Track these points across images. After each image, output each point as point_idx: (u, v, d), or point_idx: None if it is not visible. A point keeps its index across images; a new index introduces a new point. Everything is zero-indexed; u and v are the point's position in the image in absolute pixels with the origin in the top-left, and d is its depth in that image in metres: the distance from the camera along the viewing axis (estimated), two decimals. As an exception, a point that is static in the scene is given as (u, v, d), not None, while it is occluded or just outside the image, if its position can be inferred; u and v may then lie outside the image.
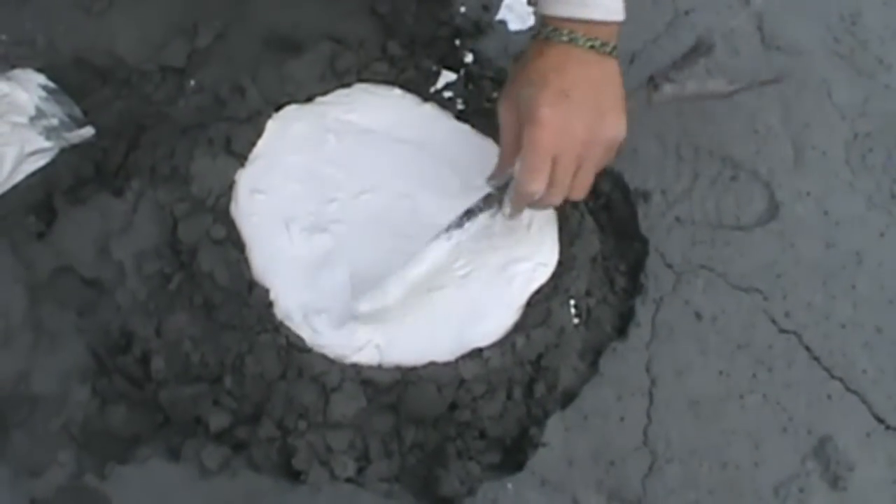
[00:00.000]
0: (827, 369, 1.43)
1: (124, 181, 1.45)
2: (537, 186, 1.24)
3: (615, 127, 1.26)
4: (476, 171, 1.43)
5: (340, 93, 1.55)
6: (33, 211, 1.44)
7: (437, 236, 1.34)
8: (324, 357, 1.29)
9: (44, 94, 1.48)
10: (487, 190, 1.36)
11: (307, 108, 1.52)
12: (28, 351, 1.32)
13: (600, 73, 1.26)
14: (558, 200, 1.28)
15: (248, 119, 1.48)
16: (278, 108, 1.51)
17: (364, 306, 1.31)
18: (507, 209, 1.33)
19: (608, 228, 1.53)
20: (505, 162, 1.31)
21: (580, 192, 1.29)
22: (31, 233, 1.41)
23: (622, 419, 1.35)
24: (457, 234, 1.35)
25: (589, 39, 1.24)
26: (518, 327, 1.35)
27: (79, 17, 1.63)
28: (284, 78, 1.53)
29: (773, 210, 1.56)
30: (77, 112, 1.50)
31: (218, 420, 1.27)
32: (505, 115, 1.28)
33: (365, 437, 1.28)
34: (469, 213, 1.35)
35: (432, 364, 1.30)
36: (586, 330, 1.42)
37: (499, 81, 1.60)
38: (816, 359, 1.44)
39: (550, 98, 1.21)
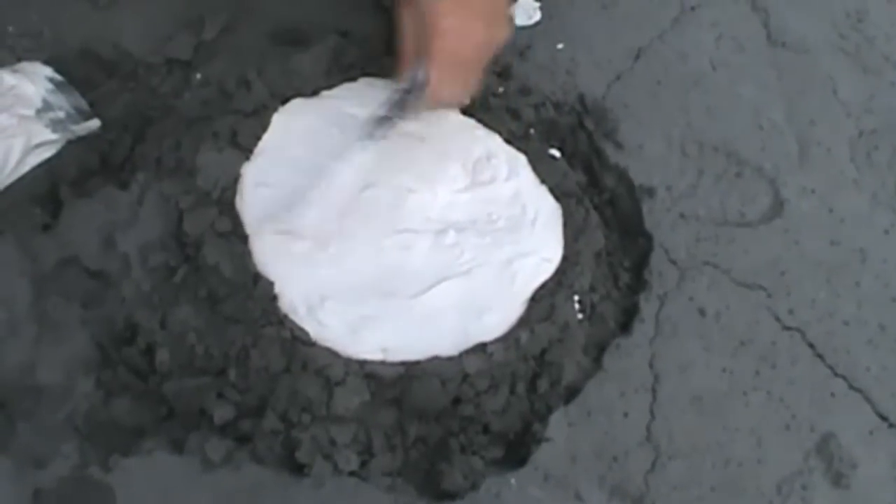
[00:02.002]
0: (830, 367, 1.43)
1: (130, 173, 1.45)
2: (448, 90, 1.38)
3: (504, 31, 1.38)
4: (482, 166, 1.43)
5: (346, 86, 1.55)
6: (39, 202, 1.44)
7: (350, 148, 1.39)
8: (328, 350, 1.29)
9: (50, 86, 1.48)
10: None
11: (313, 101, 1.52)
12: (32, 342, 1.32)
13: None
14: (464, 101, 1.44)
15: (253, 112, 1.48)
16: (284, 101, 1.51)
17: (287, 225, 1.36)
18: (410, 111, 1.41)
19: (613, 224, 1.53)
20: (407, 66, 1.38)
21: (475, 91, 1.45)
22: (37, 224, 1.41)
23: (625, 415, 1.36)
24: (370, 144, 1.39)
25: None
26: (522, 322, 1.35)
27: (85, 10, 1.64)
28: (290, 72, 1.53)
29: (777, 207, 1.56)
30: (83, 104, 1.50)
31: (222, 413, 1.27)
32: (404, 20, 1.39)
33: (368, 431, 1.28)
34: (379, 121, 1.39)
35: (436, 358, 1.30)
36: (590, 325, 1.42)
37: (504, 77, 1.60)
38: (820, 356, 1.44)
39: (452, 7, 1.31)
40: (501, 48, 1.40)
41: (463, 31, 1.32)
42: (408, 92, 1.39)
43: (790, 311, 1.47)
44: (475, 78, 1.40)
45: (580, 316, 1.40)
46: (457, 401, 1.30)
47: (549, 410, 1.33)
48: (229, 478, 1.23)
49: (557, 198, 1.47)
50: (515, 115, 1.55)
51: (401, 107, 1.40)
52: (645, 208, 1.53)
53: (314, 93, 1.53)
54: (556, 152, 1.55)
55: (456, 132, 1.50)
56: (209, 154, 1.42)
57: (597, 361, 1.40)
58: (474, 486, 1.27)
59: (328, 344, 1.29)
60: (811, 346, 1.44)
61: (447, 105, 1.42)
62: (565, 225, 1.45)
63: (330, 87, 1.54)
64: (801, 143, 1.63)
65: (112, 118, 1.53)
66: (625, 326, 1.44)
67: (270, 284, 1.32)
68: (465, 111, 1.53)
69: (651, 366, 1.39)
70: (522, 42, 1.66)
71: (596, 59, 1.68)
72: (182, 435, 1.27)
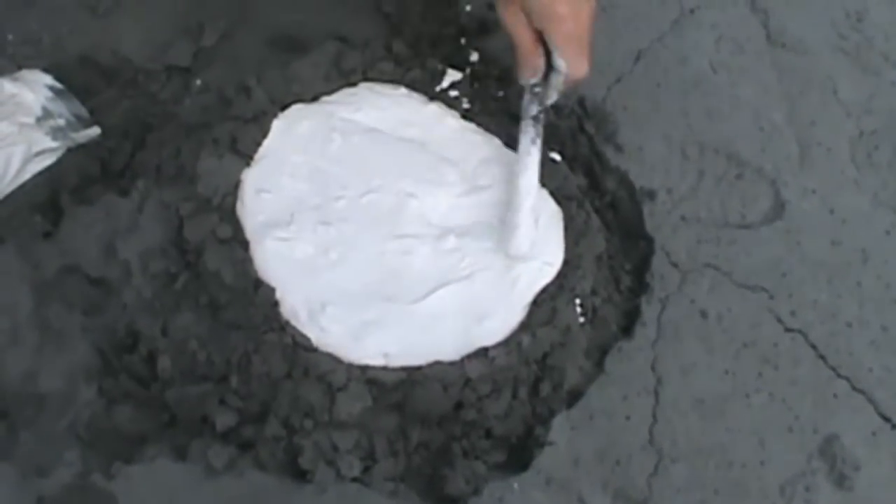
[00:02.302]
0: (833, 368, 1.43)
1: (130, 181, 1.46)
2: (585, 69, 1.40)
3: (597, 3, 1.39)
4: (482, 170, 1.43)
5: (346, 92, 1.55)
6: (39, 210, 1.44)
7: (524, 153, 1.43)
8: (330, 356, 1.29)
9: (50, 94, 1.49)
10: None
11: (313, 107, 1.52)
12: (34, 350, 1.32)
13: None
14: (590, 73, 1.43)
15: (253, 118, 1.48)
16: (284, 107, 1.51)
17: (522, 248, 1.40)
18: (551, 98, 1.44)
19: (614, 227, 1.53)
20: (530, 60, 1.39)
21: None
22: (38, 232, 1.41)
23: (628, 418, 1.36)
24: (539, 142, 1.44)
25: None
26: (524, 326, 1.35)
27: (85, 17, 1.64)
28: (290, 77, 1.53)
29: (778, 208, 1.56)
30: (83, 112, 1.50)
31: (224, 419, 1.27)
32: (514, 19, 1.38)
33: (371, 437, 1.28)
34: (536, 119, 1.44)
35: (438, 363, 1.30)
36: (592, 329, 1.42)
37: (505, 80, 1.60)
38: (822, 357, 1.44)
39: None
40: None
41: (575, 10, 1.35)
42: (543, 84, 1.43)
43: (792, 313, 1.47)
44: (590, 48, 1.43)
45: (582, 319, 1.40)
46: (459, 405, 1.30)
47: (552, 414, 1.33)
48: (232, 484, 1.23)
49: (558, 201, 1.47)
50: (515, 119, 1.55)
51: (544, 98, 1.44)
52: (646, 211, 1.53)
53: (314, 98, 1.53)
54: (556, 156, 1.55)
55: (456, 137, 1.50)
56: (209, 160, 1.42)
57: (599, 365, 1.40)
58: (477, 491, 1.27)
59: (330, 350, 1.29)
60: (813, 347, 1.44)
61: (581, 80, 1.44)
62: (566, 228, 1.45)
63: (330, 92, 1.54)
64: (802, 144, 1.63)
65: (112, 125, 1.53)
66: (626, 329, 1.44)
67: (272, 290, 1.32)
68: (465, 115, 1.53)
69: (653, 369, 1.39)
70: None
71: (596, 61, 1.66)
72: (184, 442, 1.27)
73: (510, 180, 1.44)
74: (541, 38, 1.37)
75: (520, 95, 1.45)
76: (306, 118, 1.49)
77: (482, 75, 1.61)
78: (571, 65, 1.38)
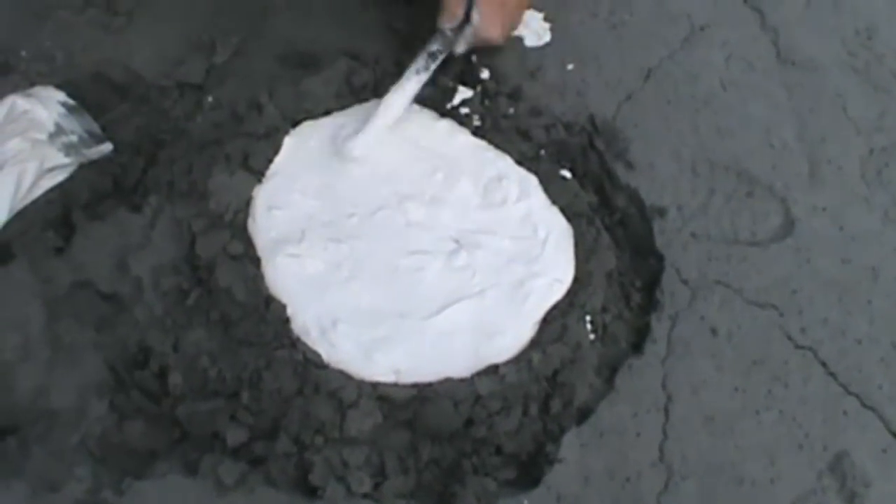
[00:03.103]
0: (843, 385, 1.43)
1: (142, 197, 1.46)
2: (497, 32, 1.56)
3: None
4: (494, 187, 1.44)
5: (357, 108, 1.56)
6: (52, 226, 1.44)
7: (405, 78, 1.53)
8: (341, 373, 1.29)
9: (63, 110, 1.49)
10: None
11: (324, 124, 1.53)
12: (46, 366, 1.32)
13: None
14: (503, 40, 1.61)
15: (265, 135, 1.49)
16: (295, 124, 1.52)
17: (354, 150, 1.47)
18: (459, 47, 1.58)
19: (624, 244, 1.54)
20: (452, 6, 1.52)
21: (513, 31, 1.64)
22: (50, 248, 1.41)
23: (638, 435, 1.35)
24: (423, 76, 1.54)
25: None
26: (534, 343, 1.35)
27: (97, 34, 1.65)
28: (301, 94, 1.54)
29: (788, 225, 1.56)
30: (95, 128, 1.51)
31: (235, 435, 1.27)
32: None
33: (381, 453, 1.28)
34: (432, 56, 1.55)
35: (448, 380, 1.30)
36: (602, 346, 1.42)
37: (515, 98, 1.60)
38: (832, 374, 1.44)
39: None
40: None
41: None
42: (456, 29, 1.53)
43: (802, 330, 1.46)
44: (515, 20, 1.55)
45: (592, 336, 1.40)
46: (469, 422, 1.30)
47: (562, 431, 1.33)
48: (243, 501, 1.23)
49: (569, 218, 1.48)
50: (526, 135, 1.55)
51: (448, 43, 1.54)
52: (656, 228, 1.53)
53: (325, 115, 1.54)
54: (567, 173, 1.55)
55: (467, 154, 1.50)
56: (221, 177, 1.43)
57: (609, 382, 1.40)
58: (487, 508, 1.28)
59: (341, 366, 1.30)
60: (823, 364, 1.44)
61: (488, 42, 1.55)
62: (577, 245, 1.45)
63: (341, 109, 1.55)
64: (812, 162, 1.63)
65: (124, 142, 1.54)
66: (637, 346, 1.44)
67: (283, 307, 1.33)
68: (476, 132, 1.53)
69: (663, 386, 1.39)
70: (533, 63, 1.67)
71: (606, 79, 1.69)
72: (195, 458, 1.27)
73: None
74: None
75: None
76: (317, 135, 1.50)
77: (493, 93, 1.61)
78: (483, 21, 1.52)
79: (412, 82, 1.51)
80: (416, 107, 1.56)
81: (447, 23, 1.53)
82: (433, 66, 1.54)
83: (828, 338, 1.46)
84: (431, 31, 1.62)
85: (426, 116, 1.56)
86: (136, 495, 1.23)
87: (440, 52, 1.54)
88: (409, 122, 1.54)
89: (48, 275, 1.38)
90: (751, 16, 1.83)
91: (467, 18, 1.52)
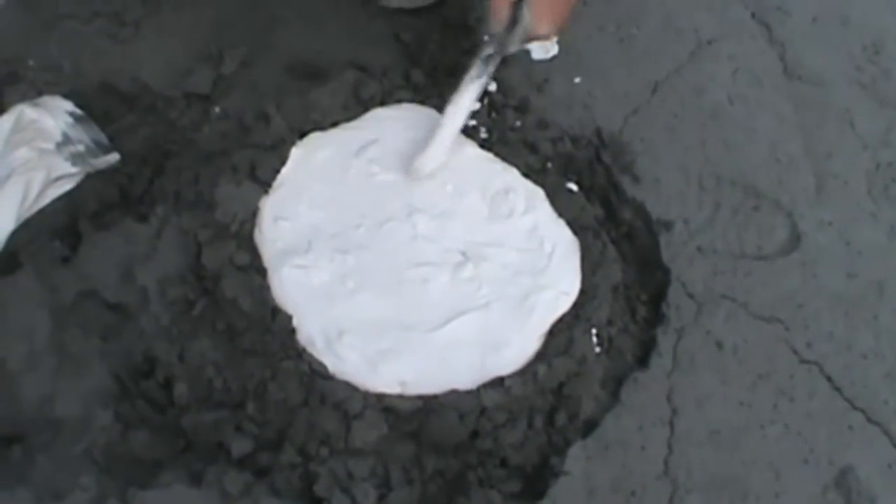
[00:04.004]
0: (848, 400, 1.43)
1: (149, 207, 1.46)
2: (547, 28, 1.48)
3: None
4: (500, 199, 1.44)
5: (364, 119, 1.56)
6: (58, 236, 1.44)
7: (463, 88, 1.49)
8: (346, 384, 1.29)
9: (70, 120, 1.49)
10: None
11: (331, 135, 1.53)
12: (52, 375, 1.32)
13: None
14: (555, 36, 1.60)
15: (272, 146, 1.49)
16: (302, 135, 1.52)
17: (426, 167, 1.46)
18: (512, 47, 1.51)
19: (630, 258, 1.54)
20: (499, 7, 1.47)
21: (567, 26, 1.53)
22: (56, 257, 1.42)
23: (643, 448, 1.35)
24: (481, 82, 1.50)
25: None
26: (540, 356, 1.35)
27: (105, 44, 1.65)
28: (309, 105, 1.54)
29: (794, 240, 1.56)
30: (103, 138, 1.51)
31: (240, 446, 1.27)
32: None
33: (386, 465, 1.28)
34: (485, 60, 1.50)
35: (454, 392, 1.30)
36: (608, 359, 1.42)
37: (522, 111, 1.60)
38: (838, 389, 1.44)
39: None
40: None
41: None
42: (506, 29, 1.48)
43: (808, 345, 1.46)
44: (565, 13, 1.49)
45: (598, 349, 1.40)
46: (474, 434, 1.30)
47: (567, 444, 1.33)
48: (247, 511, 1.24)
49: (575, 231, 1.48)
50: (533, 148, 1.55)
51: (500, 44, 1.49)
52: (662, 242, 1.53)
53: (332, 126, 1.54)
54: (573, 186, 1.55)
55: (474, 166, 1.50)
56: (228, 188, 1.43)
57: (614, 395, 1.40)
58: (492, 520, 1.27)
59: (346, 377, 1.30)
60: (829, 379, 1.44)
61: (542, 39, 1.52)
62: (583, 258, 1.45)
63: (348, 120, 1.55)
64: (818, 176, 1.63)
65: (131, 152, 1.54)
66: (642, 360, 1.44)
67: (289, 318, 1.33)
68: (483, 145, 1.54)
69: (669, 399, 1.39)
70: (540, 76, 1.67)
71: (613, 92, 1.69)
72: (200, 468, 1.27)
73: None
74: None
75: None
76: (325, 146, 1.50)
77: (500, 105, 1.62)
78: (535, 18, 1.45)
79: (470, 91, 1.49)
80: (424, 112, 1.57)
81: (497, 26, 1.49)
82: (490, 71, 1.51)
83: (833, 352, 1.46)
84: (438, 43, 1.63)
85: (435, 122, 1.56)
86: (140, 505, 1.23)
87: (494, 55, 1.50)
88: (417, 133, 1.54)
89: (54, 284, 1.38)
90: (758, 30, 1.83)
91: (515, 18, 1.48)
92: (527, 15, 1.44)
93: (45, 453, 1.27)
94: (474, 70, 1.48)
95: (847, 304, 1.51)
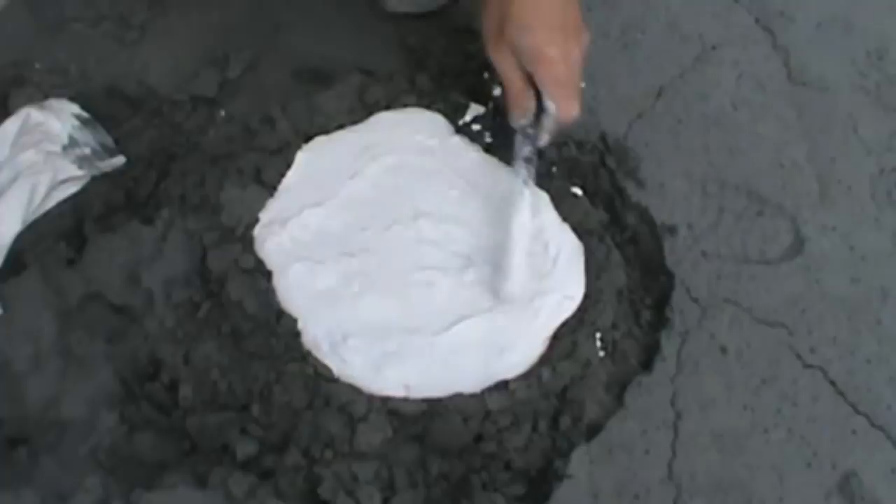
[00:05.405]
0: (852, 404, 1.43)
1: (154, 210, 1.46)
2: (576, 111, 1.42)
3: (586, 37, 1.42)
4: (505, 204, 1.44)
5: (369, 122, 1.56)
6: (64, 238, 1.45)
7: (519, 196, 1.43)
8: (351, 387, 1.29)
9: (77, 123, 1.50)
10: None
11: (337, 138, 1.53)
12: (57, 377, 1.33)
13: None
14: (580, 114, 1.45)
15: (278, 149, 1.49)
16: (308, 138, 1.52)
17: (516, 292, 1.39)
18: (542, 140, 1.47)
19: (634, 262, 1.54)
20: (522, 101, 1.43)
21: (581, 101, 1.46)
22: (62, 259, 1.42)
23: (647, 452, 1.35)
24: (531, 182, 1.45)
25: None
26: (544, 360, 1.35)
27: (111, 48, 1.66)
28: (314, 109, 1.54)
29: (798, 245, 1.56)
30: (109, 141, 1.52)
31: (245, 448, 1.27)
32: (504, 61, 1.42)
33: (391, 468, 1.28)
34: (528, 161, 1.45)
35: (458, 395, 1.30)
36: (612, 363, 1.42)
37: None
38: (841, 394, 1.44)
39: (549, 36, 1.37)
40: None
41: (565, 53, 1.38)
42: (535, 125, 1.45)
43: (811, 349, 1.46)
44: (579, 87, 1.45)
45: (602, 353, 1.40)
46: (479, 438, 1.30)
47: (571, 447, 1.33)
48: (252, 513, 1.24)
49: (580, 236, 1.48)
50: (538, 153, 1.55)
51: (536, 140, 1.46)
52: (666, 246, 1.53)
53: (338, 130, 1.54)
54: (578, 190, 1.55)
55: (479, 170, 1.51)
56: (233, 191, 1.43)
57: (618, 399, 1.39)
58: (496, 523, 1.28)
59: (351, 380, 1.30)
60: (832, 383, 1.44)
61: (571, 122, 1.46)
62: (587, 263, 1.45)
63: (354, 124, 1.55)
64: (822, 182, 1.63)
65: (137, 155, 1.54)
66: (646, 364, 1.44)
67: (294, 321, 1.33)
68: (488, 149, 1.54)
69: (672, 403, 1.39)
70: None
71: (617, 98, 1.69)
72: (205, 470, 1.27)
73: (505, 221, 1.43)
74: (531, 80, 1.40)
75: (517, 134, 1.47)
76: (330, 150, 1.51)
77: (505, 109, 1.61)
78: (561, 107, 1.41)
79: (526, 196, 1.43)
80: (428, 117, 1.58)
81: (521, 119, 1.46)
82: (534, 170, 1.46)
83: (837, 357, 1.46)
84: (443, 48, 1.63)
85: (438, 132, 1.56)
86: (145, 506, 1.24)
87: (533, 154, 1.47)
88: (421, 137, 1.55)
89: (60, 286, 1.38)
90: (762, 36, 1.83)
91: (539, 108, 1.44)
92: (552, 106, 1.41)
93: (50, 455, 1.28)
94: (522, 173, 1.45)
95: (850, 309, 1.51)
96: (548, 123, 1.44)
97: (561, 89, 1.40)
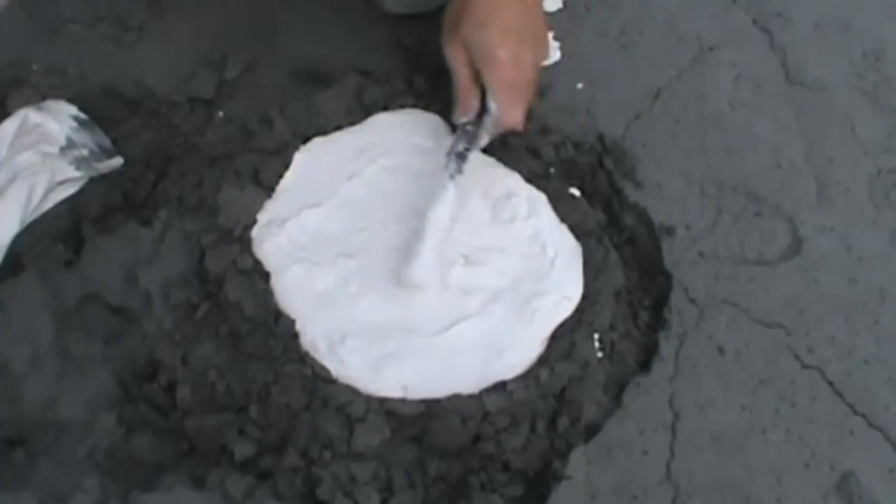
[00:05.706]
0: (850, 405, 1.43)
1: (152, 211, 1.46)
2: (518, 117, 1.45)
3: (546, 49, 1.49)
4: (503, 204, 1.44)
5: (367, 123, 1.56)
6: (62, 239, 1.45)
7: (443, 188, 1.43)
8: (349, 388, 1.29)
9: (74, 124, 1.50)
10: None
11: (334, 139, 1.53)
12: (55, 378, 1.32)
13: (532, 2, 1.46)
14: (525, 121, 1.48)
15: (275, 150, 1.49)
16: (306, 139, 1.52)
17: (417, 277, 1.38)
18: (482, 141, 1.49)
19: (632, 263, 1.54)
20: (467, 99, 1.45)
21: (530, 108, 1.49)
22: (59, 260, 1.42)
23: (645, 453, 1.35)
24: (458, 181, 1.44)
25: None
26: (542, 360, 1.35)
27: (109, 49, 1.66)
28: (312, 110, 1.54)
29: (796, 246, 1.56)
30: (106, 142, 1.52)
31: (243, 449, 1.27)
32: (456, 56, 1.44)
33: (389, 469, 1.28)
34: (460, 156, 1.45)
35: (456, 396, 1.30)
36: (610, 364, 1.42)
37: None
38: (839, 394, 1.43)
39: (502, 38, 1.39)
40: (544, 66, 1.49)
41: (516, 57, 1.39)
42: (476, 124, 1.46)
43: (809, 350, 1.46)
44: (529, 99, 1.46)
45: (600, 354, 1.40)
46: (477, 438, 1.30)
47: (569, 448, 1.32)
48: (250, 514, 1.24)
49: (577, 236, 1.48)
50: (535, 154, 1.55)
51: (474, 138, 1.47)
52: (664, 247, 1.53)
53: (336, 131, 1.54)
54: (575, 191, 1.55)
55: (476, 171, 1.50)
56: (231, 192, 1.43)
57: (616, 400, 1.39)
58: (494, 524, 1.28)
59: (349, 381, 1.30)
60: (830, 384, 1.44)
61: (510, 129, 1.47)
62: (585, 263, 1.45)
63: (351, 125, 1.55)
64: (820, 182, 1.63)
65: (135, 156, 1.54)
66: (644, 365, 1.44)
67: (292, 322, 1.33)
68: (485, 150, 1.54)
69: (671, 404, 1.39)
70: (542, 81, 1.67)
71: (615, 98, 1.69)
72: (203, 471, 1.27)
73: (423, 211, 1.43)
74: (479, 79, 1.42)
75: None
76: (328, 151, 1.51)
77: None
78: (503, 110, 1.43)
79: (450, 190, 1.43)
80: (429, 118, 1.58)
81: (462, 116, 1.47)
82: (463, 166, 1.46)
83: (835, 358, 1.46)
84: (440, 48, 1.63)
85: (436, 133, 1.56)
86: (143, 508, 1.24)
87: (468, 150, 1.47)
88: (419, 137, 1.55)
89: (58, 287, 1.38)
90: (759, 37, 1.83)
91: (483, 108, 1.46)
92: (494, 106, 1.43)
93: (47, 456, 1.27)
94: (452, 167, 1.45)
95: (848, 310, 1.51)
96: (488, 124, 1.46)
97: (505, 92, 1.42)
